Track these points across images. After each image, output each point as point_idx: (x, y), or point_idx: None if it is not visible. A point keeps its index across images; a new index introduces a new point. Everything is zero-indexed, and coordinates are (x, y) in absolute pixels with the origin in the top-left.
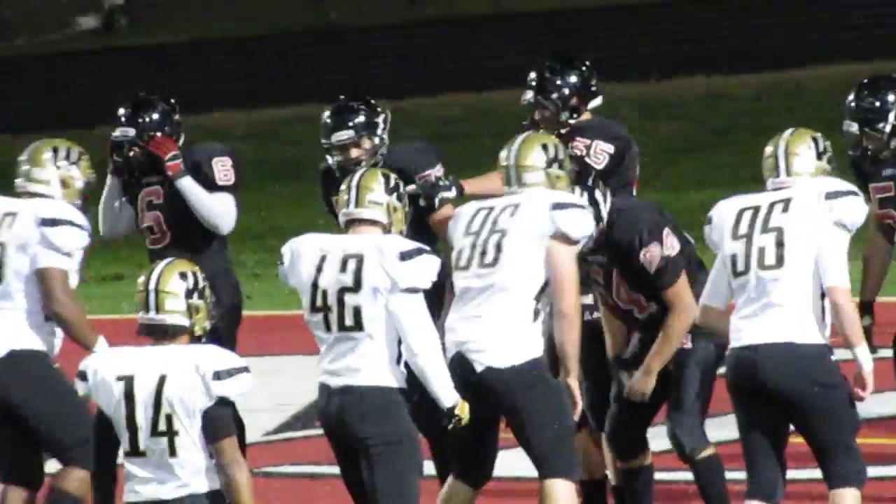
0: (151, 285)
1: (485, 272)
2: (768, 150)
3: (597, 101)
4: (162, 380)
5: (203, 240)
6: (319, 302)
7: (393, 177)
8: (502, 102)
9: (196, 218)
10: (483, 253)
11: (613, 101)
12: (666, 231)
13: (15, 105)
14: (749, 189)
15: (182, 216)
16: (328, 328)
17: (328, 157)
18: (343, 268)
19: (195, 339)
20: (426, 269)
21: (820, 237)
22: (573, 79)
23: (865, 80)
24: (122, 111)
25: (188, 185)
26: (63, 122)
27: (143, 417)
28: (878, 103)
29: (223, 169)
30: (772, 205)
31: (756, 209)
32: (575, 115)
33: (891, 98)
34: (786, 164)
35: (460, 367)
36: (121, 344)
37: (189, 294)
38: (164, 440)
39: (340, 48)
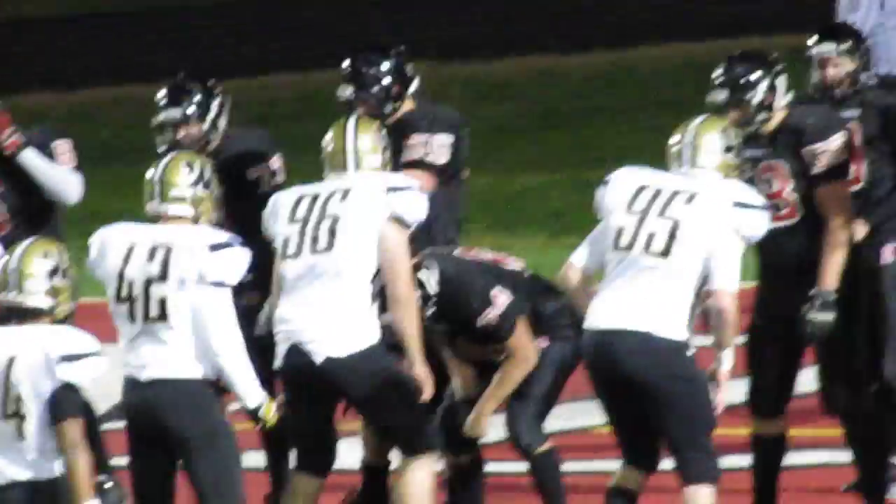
0: (12, 265)
1: (318, 259)
2: (675, 138)
3: (414, 86)
4: (11, 361)
5: (45, 223)
6: (125, 292)
7: (198, 164)
8: (327, 83)
9: (37, 200)
10: (314, 239)
11: (443, 83)
12: (494, 291)
13: None
14: (582, 172)
15: (25, 200)
16: (133, 319)
17: (157, 137)
18: (151, 257)
19: (58, 322)
20: (235, 262)
21: (715, 239)
22: (389, 67)
23: (738, 53)
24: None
25: (31, 156)
26: None
27: None
28: (749, 76)
29: (63, 153)
30: (675, 193)
31: (658, 191)
32: (398, 104)
33: (760, 73)
34: (691, 154)
35: (297, 358)
36: None
37: (51, 275)
38: (13, 423)
39: (164, 27)
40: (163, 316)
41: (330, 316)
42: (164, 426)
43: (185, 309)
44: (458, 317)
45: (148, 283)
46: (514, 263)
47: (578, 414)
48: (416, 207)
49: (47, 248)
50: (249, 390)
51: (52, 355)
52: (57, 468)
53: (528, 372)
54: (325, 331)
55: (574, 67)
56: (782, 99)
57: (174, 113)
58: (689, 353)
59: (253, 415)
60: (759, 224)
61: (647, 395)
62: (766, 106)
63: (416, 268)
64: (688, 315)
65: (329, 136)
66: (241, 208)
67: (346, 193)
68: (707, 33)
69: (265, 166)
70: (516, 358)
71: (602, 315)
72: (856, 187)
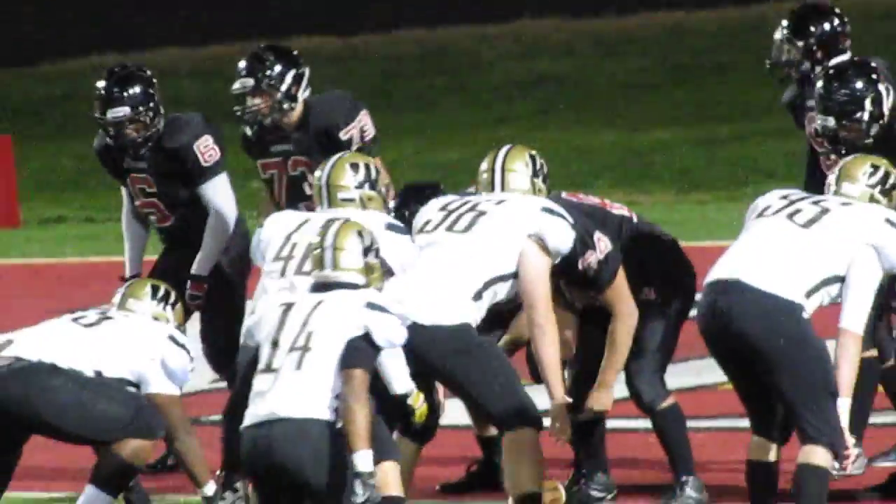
0: (328, 242)
1: (450, 236)
2: (484, 164)
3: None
4: (318, 304)
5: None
6: (286, 252)
7: (363, 165)
8: (452, 39)
9: (193, 193)
10: (455, 221)
11: (570, 38)
12: (597, 235)
13: None
14: (709, 129)
15: (179, 197)
16: (283, 274)
17: (235, 106)
18: (323, 228)
19: None
20: (403, 248)
21: (858, 245)
22: None
23: (832, 71)
24: (104, 88)
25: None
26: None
27: (287, 336)
28: (851, 93)
29: (206, 150)
30: (831, 198)
31: (812, 195)
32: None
33: (860, 85)
34: (837, 184)
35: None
36: (68, 290)
37: (365, 252)
38: (297, 355)
39: None
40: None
41: (432, 286)
42: None
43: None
44: (561, 262)
45: (311, 245)
46: (619, 209)
47: (705, 370)
48: (562, 238)
49: (360, 227)
50: (398, 375)
51: (360, 301)
52: (329, 413)
53: (634, 326)
54: (425, 299)
55: (703, 23)
56: (889, 102)
57: (247, 82)
58: (804, 314)
59: (402, 401)
60: None
61: (755, 352)
62: (876, 118)
63: None
64: (808, 288)
65: (485, 163)
66: None
67: (500, 201)
68: None
69: (354, 125)
70: (618, 314)
71: (721, 267)
72: None
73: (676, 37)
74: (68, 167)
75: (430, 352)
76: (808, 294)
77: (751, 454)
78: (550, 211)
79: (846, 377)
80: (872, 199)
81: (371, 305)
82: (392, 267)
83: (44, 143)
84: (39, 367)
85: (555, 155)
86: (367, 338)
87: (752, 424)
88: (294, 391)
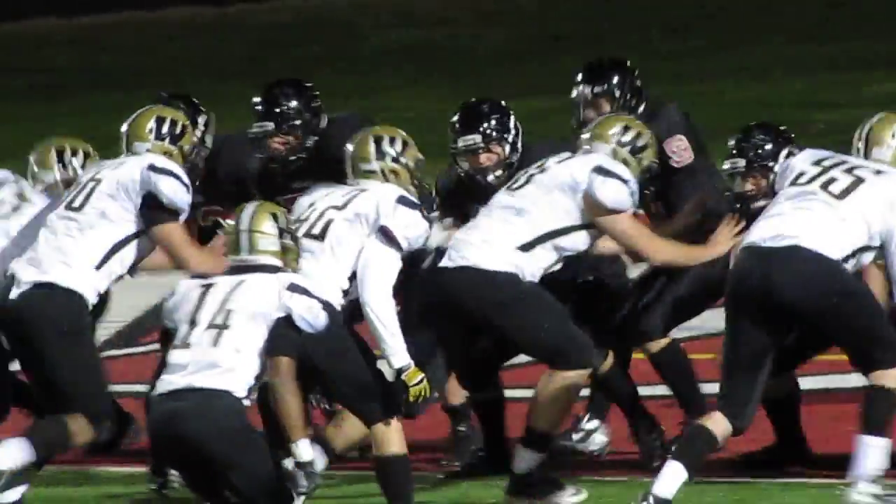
0: (244, 226)
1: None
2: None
3: None
4: (239, 283)
5: None
6: (299, 214)
7: (388, 139)
8: (327, 8)
9: None
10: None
11: (448, 6)
12: None
13: None
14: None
15: None
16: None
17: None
18: (343, 195)
19: None
20: (414, 225)
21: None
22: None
23: (755, 123)
24: (257, 102)
25: None
26: None
27: (206, 313)
28: (769, 145)
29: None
30: (863, 165)
31: (845, 161)
32: None
33: (779, 141)
34: (865, 148)
35: None
36: None
37: (281, 234)
38: (214, 332)
39: None
40: (321, 236)
41: (482, 232)
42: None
43: (345, 241)
44: None
45: (327, 207)
46: None
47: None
48: (617, 195)
49: (275, 210)
50: (397, 350)
51: (282, 282)
52: (242, 390)
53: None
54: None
55: None
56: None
57: (267, 125)
58: (845, 270)
59: (397, 375)
60: None
61: (804, 318)
62: (772, 184)
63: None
64: (844, 255)
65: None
66: None
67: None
68: None
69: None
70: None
71: (758, 232)
72: None
73: (552, 4)
74: None
75: (465, 296)
76: (845, 260)
77: (705, 421)
78: (604, 171)
79: None
80: None
81: (293, 287)
82: (399, 240)
83: None
84: None
85: (430, 124)
86: (289, 321)
87: (720, 402)
88: (208, 365)
